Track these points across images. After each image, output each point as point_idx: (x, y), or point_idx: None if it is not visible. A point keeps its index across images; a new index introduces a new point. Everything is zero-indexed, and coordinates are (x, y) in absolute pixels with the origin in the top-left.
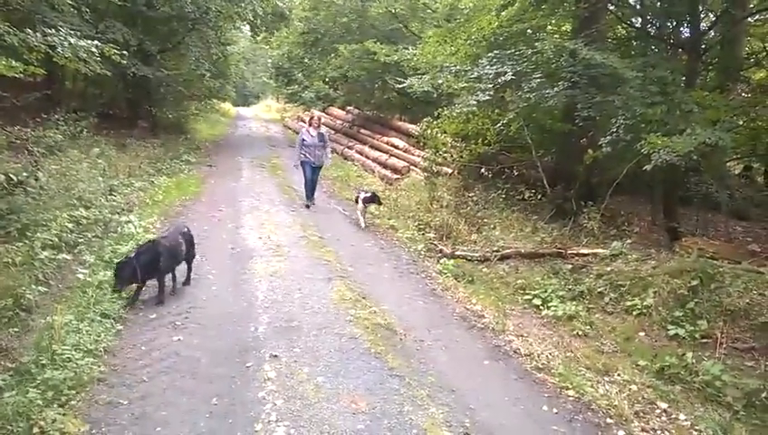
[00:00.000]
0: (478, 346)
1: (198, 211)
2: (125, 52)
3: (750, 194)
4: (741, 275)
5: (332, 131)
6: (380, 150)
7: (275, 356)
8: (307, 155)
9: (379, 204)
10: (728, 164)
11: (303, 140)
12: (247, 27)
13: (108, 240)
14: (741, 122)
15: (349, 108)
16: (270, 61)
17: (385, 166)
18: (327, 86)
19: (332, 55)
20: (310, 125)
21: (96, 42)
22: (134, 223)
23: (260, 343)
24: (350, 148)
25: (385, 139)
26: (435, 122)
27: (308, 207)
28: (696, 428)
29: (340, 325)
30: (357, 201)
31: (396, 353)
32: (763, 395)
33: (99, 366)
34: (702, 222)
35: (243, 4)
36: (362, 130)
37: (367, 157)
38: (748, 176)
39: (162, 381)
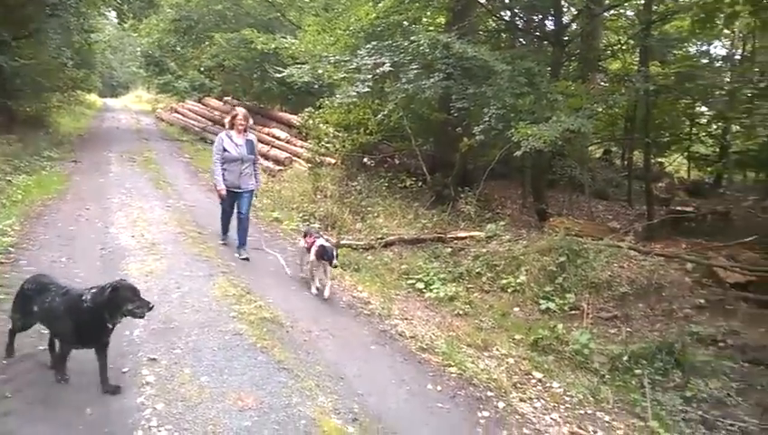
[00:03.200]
0: (365, 332)
1: (63, 210)
2: None
3: (609, 176)
4: (603, 250)
5: (209, 123)
6: (262, 142)
7: (154, 359)
8: (229, 175)
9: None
10: (590, 148)
11: (225, 151)
12: (113, 13)
13: None
14: (600, 109)
15: (226, 98)
16: (139, 49)
17: (267, 157)
18: (203, 75)
19: (207, 44)
20: (232, 127)
21: None
22: None
23: (136, 347)
24: None
25: (266, 130)
26: (316, 113)
27: (225, 244)
28: (569, 393)
29: (223, 322)
30: (308, 249)
31: (283, 346)
32: (625, 359)
33: None
34: (568, 203)
35: None
36: None
37: None
38: (608, 159)
39: (26, 396)
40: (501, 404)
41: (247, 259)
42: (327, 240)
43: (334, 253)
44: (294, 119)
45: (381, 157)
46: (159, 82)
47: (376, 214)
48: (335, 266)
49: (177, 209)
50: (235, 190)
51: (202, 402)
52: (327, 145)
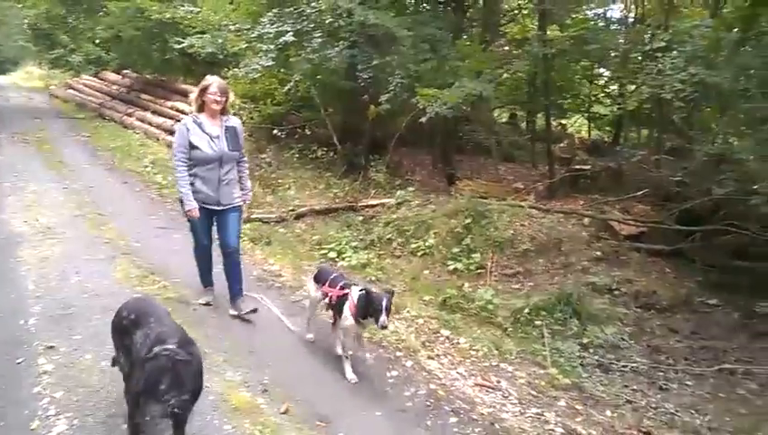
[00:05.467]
0: (276, 305)
1: None
2: None
3: (515, 139)
4: (506, 210)
5: (108, 98)
6: (165, 116)
7: (51, 347)
8: (201, 184)
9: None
10: (496, 113)
11: (194, 147)
12: None
13: None
14: (505, 74)
15: (125, 71)
16: (26, 22)
17: (171, 132)
18: (98, 48)
19: (101, 14)
20: (201, 109)
21: None
22: None
23: (32, 335)
24: (129, 115)
25: (169, 103)
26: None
27: (208, 303)
28: (474, 348)
29: None
30: (333, 306)
31: (190, 325)
32: (526, 311)
33: None
34: (475, 166)
35: None
36: (143, 96)
37: (150, 124)
38: (514, 123)
39: None
40: (409, 363)
41: (255, 311)
42: (355, 284)
43: (385, 303)
44: None
45: (291, 128)
46: (51, 57)
47: (287, 186)
48: (384, 328)
49: (75, 191)
50: (213, 208)
51: (104, 387)
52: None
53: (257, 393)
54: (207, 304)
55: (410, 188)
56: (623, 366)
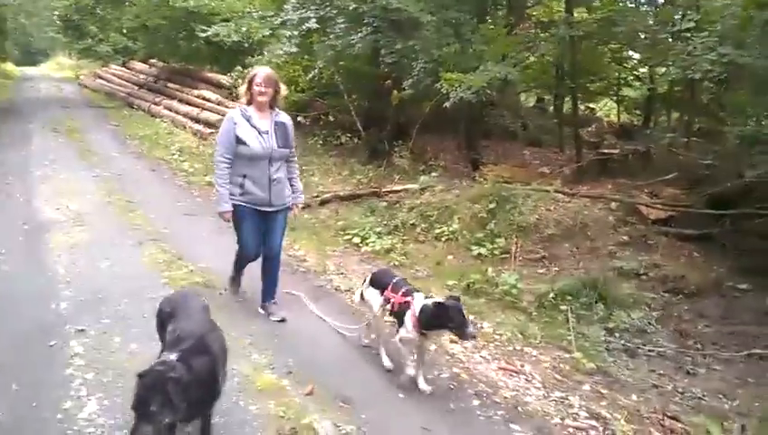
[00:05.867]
0: (301, 289)
1: None
2: None
3: (541, 123)
4: (531, 195)
5: (135, 87)
6: (191, 105)
7: (82, 331)
8: (251, 184)
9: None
10: (523, 97)
11: (240, 141)
12: None
13: None
14: (531, 58)
15: (152, 60)
16: (56, 13)
17: (197, 120)
18: (125, 38)
19: (127, 4)
20: (250, 102)
21: None
22: None
23: (63, 319)
24: (156, 104)
25: (195, 92)
26: (246, 72)
27: (240, 298)
28: (498, 332)
29: (153, 289)
30: (396, 313)
31: (216, 308)
32: (551, 296)
33: None
34: (501, 151)
35: None
36: (169, 85)
37: (177, 112)
38: (541, 107)
39: None
40: (432, 347)
41: (284, 320)
42: (419, 292)
43: (462, 311)
44: (224, 79)
45: (315, 114)
46: (80, 47)
47: (311, 172)
48: (474, 338)
49: (104, 179)
50: (264, 209)
51: (132, 369)
52: None
53: (282, 375)
54: (238, 297)
55: (434, 174)
56: (649, 351)
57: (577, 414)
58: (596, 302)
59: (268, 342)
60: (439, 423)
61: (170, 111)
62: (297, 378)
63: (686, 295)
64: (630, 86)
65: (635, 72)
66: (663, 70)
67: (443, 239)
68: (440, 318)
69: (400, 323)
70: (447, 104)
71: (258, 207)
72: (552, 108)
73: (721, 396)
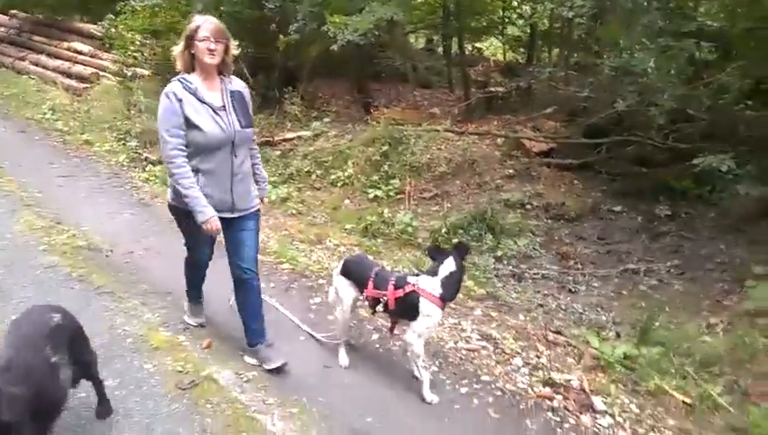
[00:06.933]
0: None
1: None
2: None
3: (431, 64)
4: (422, 136)
5: None
6: (62, 58)
7: None
8: (206, 183)
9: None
10: (412, 39)
11: (191, 123)
12: None
13: None
14: None
15: (12, 11)
16: None
17: (69, 75)
18: None
19: None
20: (190, 69)
21: None
22: None
23: None
24: (22, 60)
25: (65, 44)
26: (118, 20)
27: (200, 324)
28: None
29: (32, 257)
30: (389, 309)
31: (102, 272)
32: (443, 231)
33: None
34: (393, 94)
35: None
36: (35, 38)
37: (45, 67)
38: (431, 48)
39: None
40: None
41: (282, 368)
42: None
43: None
44: (96, 29)
45: None
46: None
47: None
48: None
49: None
50: (224, 216)
51: None
52: (135, 55)
53: (178, 332)
54: (201, 325)
55: (327, 120)
56: (535, 274)
57: (469, 337)
58: (485, 233)
59: (161, 300)
60: (341, 357)
61: (38, 66)
62: (195, 334)
63: (567, 220)
64: (515, 24)
65: (518, 11)
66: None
67: (339, 185)
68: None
69: (411, 316)
70: (335, 47)
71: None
72: (440, 49)
73: (599, 309)
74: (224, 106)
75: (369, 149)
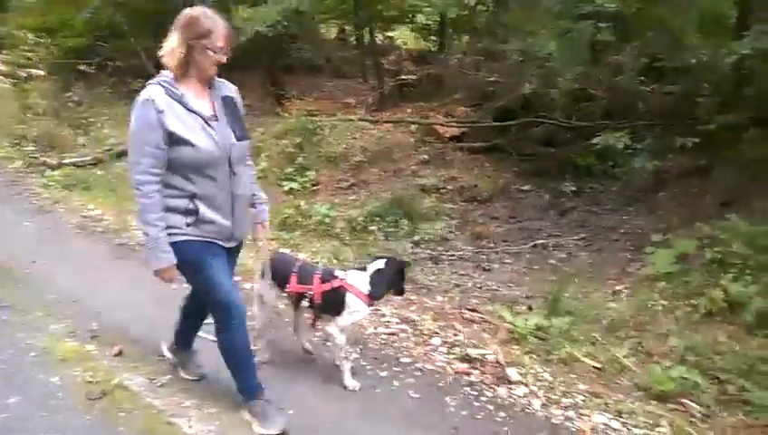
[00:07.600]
0: (101, 249)
1: None
2: None
3: (345, 54)
4: (337, 126)
5: None
6: None
7: None
8: (208, 208)
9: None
10: (323, 29)
11: (178, 139)
12: None
13: None
14: None
15: None
16: None
17: None
18: None
19: None
20: (181, 75)
21: None
22: None
23: None
24: None
25: None
26: (6, 17)
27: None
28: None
29: None
30: (313, 304)
31: (1, 285)
32: (360, 219)
33: None
34: (306, 85)
35: None
36: None
37: None
38: (343, 38)
39: None
40: (248, 285)
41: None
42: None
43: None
44: None
45: (100, 60)
46: None
47: (100, 124)
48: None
49: None
50: (226, 241)
51: None
52: (28, 54)
53: (86, 341)
54: (202, 377)
55: None
56: (451, 255)
57: (389, 322)
58: (401, 218)
59: (66, 309)
60: (261, 352)
61: None
62: (103, 341)
63: (480, 202)
64: (423, 13)
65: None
66: None
67: None
68: (398, 276)
69: (336, 311)
70: (243, 39)
71: (219, 241)
72: (353, 39)
73: (512, 285)
74: (215, 115)
75: (282, 142)
